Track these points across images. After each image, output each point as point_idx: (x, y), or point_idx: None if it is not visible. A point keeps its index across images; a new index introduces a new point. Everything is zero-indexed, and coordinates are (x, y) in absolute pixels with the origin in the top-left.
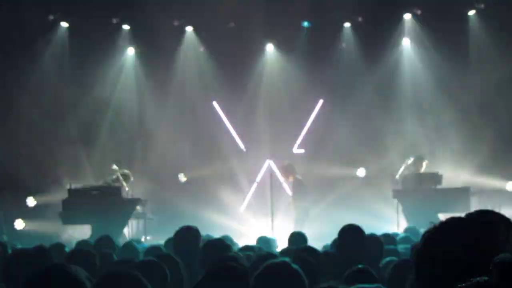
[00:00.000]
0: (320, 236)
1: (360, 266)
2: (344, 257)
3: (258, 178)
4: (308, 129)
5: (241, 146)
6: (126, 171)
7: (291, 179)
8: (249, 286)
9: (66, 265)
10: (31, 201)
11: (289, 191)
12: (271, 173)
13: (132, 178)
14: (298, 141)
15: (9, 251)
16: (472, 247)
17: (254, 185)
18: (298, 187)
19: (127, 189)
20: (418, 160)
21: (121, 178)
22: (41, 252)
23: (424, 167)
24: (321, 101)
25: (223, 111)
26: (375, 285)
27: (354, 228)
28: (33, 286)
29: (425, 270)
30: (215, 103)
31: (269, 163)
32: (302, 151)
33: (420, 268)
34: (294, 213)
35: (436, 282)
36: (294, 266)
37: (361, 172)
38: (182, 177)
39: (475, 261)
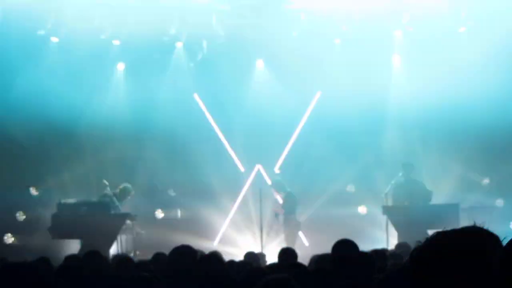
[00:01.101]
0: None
1: (352, 281)
2: (336, 271)
3: (246, 186)
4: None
5: (240, 167)
6: (125, 185)
7: (281, 195)
8: None
9: None
10: (20, 215)
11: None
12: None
13: (133, 192)
14: (279, 163)
15: None
16: (461, 262)
17: (239, 199)
18: (290, 201)
19: (116, 203)
20: (406, 166)
21: (110, 193)
22: (28, 267)
23: (412, 171)
24: (319, 93)
25: (213, 124)
26: None
27: (347, 243)
28: None
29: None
30: (196, 96)
31: (258, 169)
32: (278, 172)
33: (414, 285)
34: (285, 229)
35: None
36: (293, 282)
37: (351, 188)
38: (171, 192)
39: (465, 275)
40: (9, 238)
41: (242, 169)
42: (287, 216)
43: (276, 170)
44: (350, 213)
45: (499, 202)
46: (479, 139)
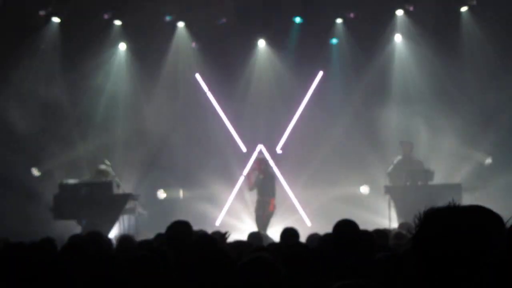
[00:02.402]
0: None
1: (352, 261)
2: (337, 252)
3: (246, 170)
4: (297, 128)
5: (242, 147)
6: (103, 167)
7: (261, 175)
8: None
9: None
10: None
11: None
12: (263, 161)
13: (111, 174)
14: (281, 142)
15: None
16: (463, 238)
17: (241, 179)
18: (271, 183)
19: (119, 183)
20: (405, 144)
21: (112, 173)
22: (33, 247)
23: (411, 150)
24: (321, 73)
25: (216, 103)
26: (364, 280)
27: (348, 223)
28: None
29: (422, 257)
30: (197, 76)
31: (260, 149)
32: (280, 152)
33: (418, 255)
34: (264, 212)
35: (433, 275)
36: (270, 259)
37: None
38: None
39: (467, 252)
40: None
41: (244, 149)
42: (266, 198)
43: (278, 150)
44: (352, 193)
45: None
46: (481, 117)
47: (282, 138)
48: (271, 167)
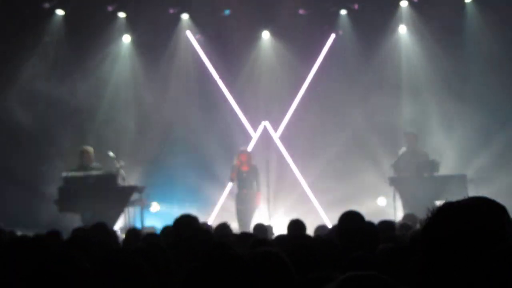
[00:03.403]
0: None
1: (358, 253)
2: (342, 244)
3: (250, 147)
4: (302, 115)
5: (251, 132)
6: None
7: (245, 167)
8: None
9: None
10: None
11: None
12: (267, 160)
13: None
14: (280, 129)
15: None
16: (472, 231)
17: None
18: (257, 177)
19: (124, 175)
20: (408, 135)
21: (118, 165)
22: (38, 240)
23: (416, 141)
24: (333, 35)
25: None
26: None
27: (353, 214)
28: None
29: (430, 254)
30: (188, 33)
31: (264, 126)
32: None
33: (426, 252)
34: (250, 205)
35: (442, 266)
36: (282, 255)
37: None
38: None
39: (476, 245)
40: None
41: (252, 134)
42: (250, 191)
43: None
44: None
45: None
46: (486, 107)
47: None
48: (253, 161)
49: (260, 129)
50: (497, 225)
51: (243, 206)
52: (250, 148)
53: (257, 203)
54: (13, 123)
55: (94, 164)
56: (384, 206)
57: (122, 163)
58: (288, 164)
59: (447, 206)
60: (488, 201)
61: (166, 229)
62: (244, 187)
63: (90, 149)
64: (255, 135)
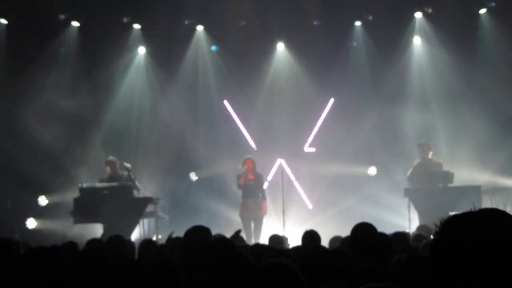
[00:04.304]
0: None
1: (370, 264)
2: (355, 255)
3: (269, 177)
4: (320, 128)
5: (252, 145)
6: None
7: (251, 176)
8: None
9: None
10: (42, 200)
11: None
12: (282, 171)
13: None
14: (309, 140)
15: (21, 250)
16: (484, 242)
17: (266, 184)
18: (262, 186)
19: (138, 187)
20: (422, 147)
21: (133, 176)
22: (54, 251)
23: (431, 154)
24: (332, 100)
25: (234, 110)
26: (385, 284)
27: (367, 226)
28: None
29: (439, 266)
30: (226, 102)
31: (280, 162)
32: (313, 149)
33: (435, 264)
34: (253, 215)
35: (451, 277)
36: (293, 266)
37: (372, 170)
38: (193, 176)
39: (488, 256)
40: (32, 223)
41: (254, 147)
42: (256, 200)
43: (306, 148)
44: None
45: None
46: (502, 120)
47: (309, 138)
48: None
49: (276, 165)
50: (506, 234)
51: (250, 215)
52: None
53: (264, 212)
54: (29, 136)
55: (121, 172)
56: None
57: (128, 165)
58: (301, 175)
59: (455, 216)
60: (497, 212)
61: (178, 240)
62: (251, 196)
63: (115, 159)
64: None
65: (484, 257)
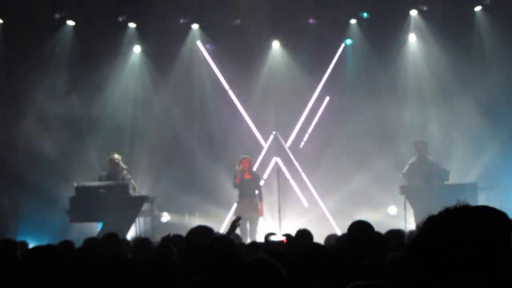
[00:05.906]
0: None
1: (367, 261)
2: (351, 252)
3: (265, 176)
4: (315, 126)
5: (261, 141)
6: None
7: (248, 175)
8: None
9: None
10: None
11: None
12: (278, 170)
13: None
14: (304, 138)
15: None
16: (466, 239)
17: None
18: (258, 186)
19: (135, 186)
20: (418, 144)
21: (129, 176)
22: (50, 251)
23: (426, 150)
24: (327, 98)
25: (228, 108)
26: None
27: (363, 224)
28: None
29: (417, 261)
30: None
31: (275, 161)
32: (305, 146)
33: (413, 259)
34: (248, 215)
35: (428, 274)
36: (272, 261)
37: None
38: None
39: (469, 253)
40: None
41: (264, 144)
42: (252, 200)
43: (301, 144)
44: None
45: None
46: (496, 115)
47: (304, 137)
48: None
49: (270, 139)
50: (495, 231)
51: (246, 214)
52: (260, 157)
53: (259, 213)
54: (29, 141)
55: (121, 171)
56: (395, 215)
57: (124, 166)
58: (297, 174)
59: (436, 215)
60: (487, 208)
61: (176, 238)
62: (247, 196)
63: (118, 156)
64: (265, 145)
65: (459, 255)
